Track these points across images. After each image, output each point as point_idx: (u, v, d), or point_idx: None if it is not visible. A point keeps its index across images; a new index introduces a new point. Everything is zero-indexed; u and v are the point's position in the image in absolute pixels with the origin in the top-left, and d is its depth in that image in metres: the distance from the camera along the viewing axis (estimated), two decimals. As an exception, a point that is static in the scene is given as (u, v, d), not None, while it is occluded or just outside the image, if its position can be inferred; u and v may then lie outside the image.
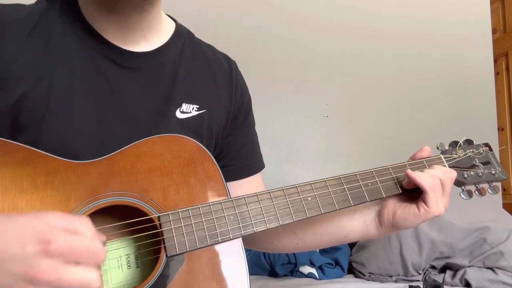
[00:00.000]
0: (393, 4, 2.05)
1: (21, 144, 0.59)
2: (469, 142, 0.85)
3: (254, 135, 0.88)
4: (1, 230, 0.43)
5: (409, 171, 0.74)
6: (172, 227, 0.60)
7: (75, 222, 0.46)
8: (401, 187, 0.76)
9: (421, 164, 0.78)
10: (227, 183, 0.72)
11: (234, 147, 0.82)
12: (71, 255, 0.43)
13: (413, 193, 0.75)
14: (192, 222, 0.62)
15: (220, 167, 0.70)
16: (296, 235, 0.83)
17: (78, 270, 0.43)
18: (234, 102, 0.81)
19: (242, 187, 0.80)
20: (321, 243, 0.84)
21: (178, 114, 0.72)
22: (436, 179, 0.72)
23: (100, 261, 0.46)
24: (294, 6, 1.96)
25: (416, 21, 2.05)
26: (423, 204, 0.72)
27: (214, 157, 0.70)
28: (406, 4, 2.06)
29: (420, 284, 1.39)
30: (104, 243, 0.47)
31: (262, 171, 0.88)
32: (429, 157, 0.80)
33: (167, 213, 0.61)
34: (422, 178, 0.72)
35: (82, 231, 0.45)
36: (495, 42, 2.18)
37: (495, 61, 2.32)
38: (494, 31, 2.25)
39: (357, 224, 0.80)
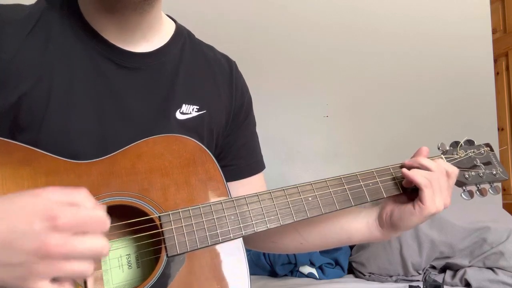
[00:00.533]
0: (393, 4, 2.05)
1: (21, 144, 0.59)
2: (470, 142, 0.85)
3: (254, 135, 0.88)
4: (4, 212, 0.43)
5: (405, 170, 0.74)
6: (173, 227, 0.60)
7: (74, 194, 0.46)
8: (402, 187, 0.76)
9: (422, 164, 0.78)
10: (228, 183, 0.72)
11: (234, 146, 0.82)
12: (79, 226, 0.44)
13: (413, 194, 0.75)
14: (193, 222, 0.61)
15: (221, 167, 0.70)
16: (300, 234, 0.83)
17: (88, 239, 0.44)
18: (235, 102, 0.81)
19: (244, 187, 0.80)
20: (325, 243, 0.84)
21: (178, 115, 0.72)
22: (432, 175, 0.72)
23: (106, 228, 0.47)
24: (294, 7, 1.96)
25: (416, 21, 2.05)
26: (418, 201, 0.72)
27: (215, 157, 0.70)
28: (406, 4, 2.06)
29: (420, 284, 1.39)
30: (105, 210, 0.48)
31: (263, 171, 0.88)
32: (429, 158, 0.80)
33: (168, 213, 0.61)
34: (416, 175, 0.72)
35: (82, 202, 0.46)
36: (495, 42, 2.18)
37: (495, 61, 2.32)
38: (494, 31, 2.25)
39: (360, 226, 0.80)
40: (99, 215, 0.46)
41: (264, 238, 0.85)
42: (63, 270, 0.43)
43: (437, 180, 0.72)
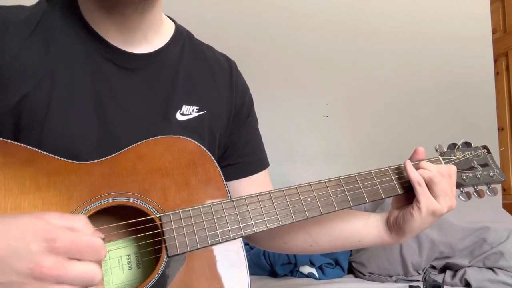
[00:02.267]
0: (393, 4, 2.05)
1: (23, 145, 0.59)
2: (467, 144, 0.85)
3: (257, 133, 0.88)
4: (3, 229, 0.44)
5: (407, 162, 0.74)
6: (173, 227, 0.61)
7: (74, 220, 0.47)
8: (400, 188, 0.76)
9: (420, 165, 0.79)
10: (235, 181, 0.72)
11: (238, 145, 0.83)
12: (75, 252, 0.44)
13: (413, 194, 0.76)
14: (193, 222, 0.62)
15: (226, 165, 0.70)
16: (311, 236, 0.83)
17: (82, 265, 0.45)
18: (235, 101, 0.82)
19: (251, 184, 0.81)
20: (336, 246, 0.85)
21: (179, 116, 0.73)
22: (429, 174, 0.72)
23: (101, 257, 0.47)
24: (294, 7, 1.96)
25: (416, 21, 2.05)
26: (415, 201, 0.73)
27: (219, 157, 0.70)
28: (406, 4, 2.06)
29: (420, 284, 1.39)
30: (103, 240, 0.48)
31: (267, 168, 0.88)
32: (427, 159, 0.80)
33: (168, 213, 0.61)
34: (411, 171, 0.73)
35: (82, 229, 0.46)
36: (495, 42, 2.17)
37: (495, 61, 2.32)
38: (494, 31, 2.25)
39: (371, 229, 0.80)
40: (97, 243, 0.46)
41: (276, 239, 0.85)
42: None
43: (436, 180, 0.72)
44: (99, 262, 0.47)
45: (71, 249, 0.44)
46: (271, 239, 0.86)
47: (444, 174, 0.73)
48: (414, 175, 0.72)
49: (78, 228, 0.46)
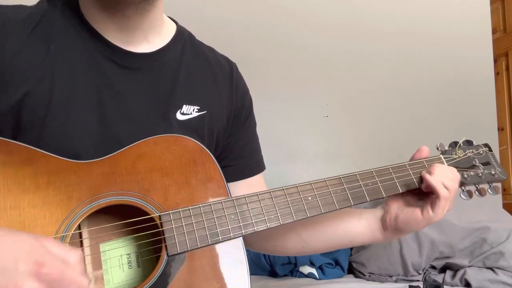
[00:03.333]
0: (393, 4, 2.05)
1: (23, 144, 0.59)
2: (468, 142, 0.85)
3: (255, 136, 0.88)
4: (0, 242, 0.44)
5: (428, 176, 0.73)
6: (173, 226, 0.61)
7: (70, 253, 0.47)
8: (401, 187, 0.76)
9: (421, 164, 0.79)
10: (229, 183, 0.72)
11: (235, 147, 0.83)
12: (58, 283, 0.44)
13: (415, 195, 0.76)
14: (193, 221, 0.62)
15: (222, 167, 0.70)
16: (302, 238, 0.83)
17: None
18: (235, 103, 0.82)
19: (244, 188, 0.81)
20: (327, 246, 0.84)
21: (179, 116, 0.73)
22: (452, 187, 0.72)
23: None
24: (294, 7, 1.96)
25: (416, 21, 2.05)
26: (429, 209, 0.72)
27: (216, 158, 0.70)
28: (406, 4, 2.06)
29: (420, 284, 1.39)
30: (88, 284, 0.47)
31: (263, 172, 0.88)
32: (429, 157, 0.80)
33: (168, 212, 0.61)
34: (439, 185, 0.71)
35: (73, 264, 0.46)
36: (495, 42, 2.17)
37: (495, 61, 2.32)
38: (494, 31, 2.25)
39: (362, 228, 0.80)
40: (84, 283, 0.46)
41: (267, 241, 0.85)
42: None
43: (454, 192, 0.72)
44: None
45: (55, 280, 0.44)
46: (263, 242, 0.85)
47: (458, 182, 0.74)
48: (443, 192, 0.71)
49: (71, 262, 0.46)
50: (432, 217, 0.72)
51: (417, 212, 0.73)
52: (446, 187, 0.72)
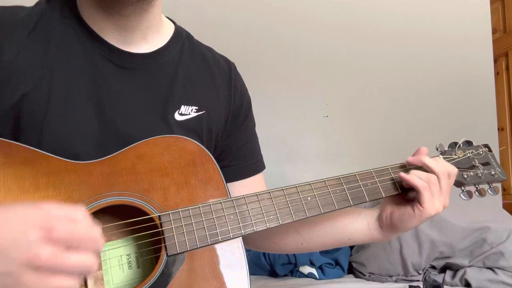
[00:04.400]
0: (393, 4, 2.05)
1: (22, 145, 0.59)
2: (468, 143, 0.85)
3: (254, 135, 0.88)
4: (2, 219, 0.43)
5: (402, 174, 0.74)
6: (173, 226, 0.61)
7: (74, 210, 0.47)
8: (400, 187, 0.76)
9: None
10: (228, 183, 0.72)
11: (234, 147, 0.83)
12: (73, 241, 0.44)
13: (412, 193, 0.76)
14: (193, 221, 0.62)
15: (221, 167, 0.70)
16: (301, 235, 0.83)
17: (79, 255, 0.44)
18: (234, 103, 0.82)
19: (244, 188, 0.81)
20: (326, 244, 0.85)
21: (177, 116, 0.73)
22: (430, 177, 0.72)
23: (99, 248, 0.47)
24: (294, 7, 1.96)
25: (416, 21, 2.05)
26: (417, 204, 0.72)
27: (215, 158, 0.70)
28: (406, 4, 2.06)
29: (420, 284, 1.39)
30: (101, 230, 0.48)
31: (263, 172, 0.88)
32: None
33: (168, 212, 0.61)
34: (414, 178, 0.72)
35: (80, 219, 0.46)
36: (495, 42, 2.18)
37: (495, 61, 2.32)
38: (494, 31, 2.25)
39: (361, 227, 0.80)
40: (95, 233, 0.46)
41: (265, 239, 0.85)
42: (50, 284, 0.42)
43: (436, 182, 0.72)
44: (96, 253, 0.47)
45: (69, 239, 0.44)
46: (261, 240, 0.85)
47: (445, 173, 0.73)
48: (419, 182, 0.71)
49: (77, 219, 0.46)
50: (422, 211, 0.72)
51: (409, 208, 0.74)
52: (421, 178, 0.72)
